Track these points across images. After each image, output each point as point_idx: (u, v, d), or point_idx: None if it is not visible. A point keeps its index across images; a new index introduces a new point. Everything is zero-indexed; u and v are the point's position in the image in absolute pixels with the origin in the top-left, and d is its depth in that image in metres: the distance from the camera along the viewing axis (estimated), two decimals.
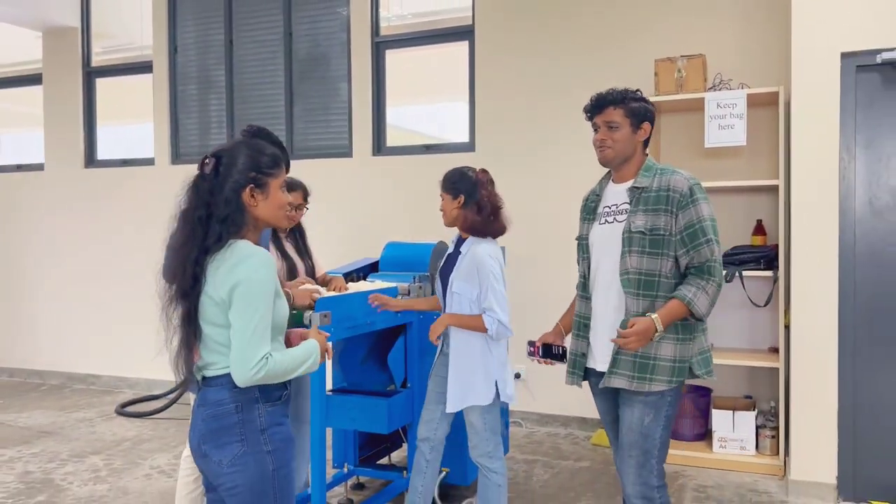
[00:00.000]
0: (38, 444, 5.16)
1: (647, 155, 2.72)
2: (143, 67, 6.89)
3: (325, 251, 4.30)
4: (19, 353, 7.40)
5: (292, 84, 6.36)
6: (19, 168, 7.50)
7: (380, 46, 6.02)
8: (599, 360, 2.69)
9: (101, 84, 7.16)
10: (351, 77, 6.07)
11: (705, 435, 4.79)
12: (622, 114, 2.63)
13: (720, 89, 4.68)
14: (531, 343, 2.86)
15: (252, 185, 1.97)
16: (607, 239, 2.66)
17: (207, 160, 2.00)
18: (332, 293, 3.41)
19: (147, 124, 6.92)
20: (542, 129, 5.45)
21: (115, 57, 7.15)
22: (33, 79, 7.35)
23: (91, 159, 7.13)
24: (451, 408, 3.12)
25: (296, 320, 3.14)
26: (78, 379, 7.08)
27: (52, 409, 6.18)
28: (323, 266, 3.87)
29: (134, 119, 7.45)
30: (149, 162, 6.85)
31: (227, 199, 1.95)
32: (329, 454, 4.22)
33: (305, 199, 3.64)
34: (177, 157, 6.80)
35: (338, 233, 5.94)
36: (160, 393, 6.51)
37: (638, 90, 2.73)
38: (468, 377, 3.11)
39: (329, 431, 4.32)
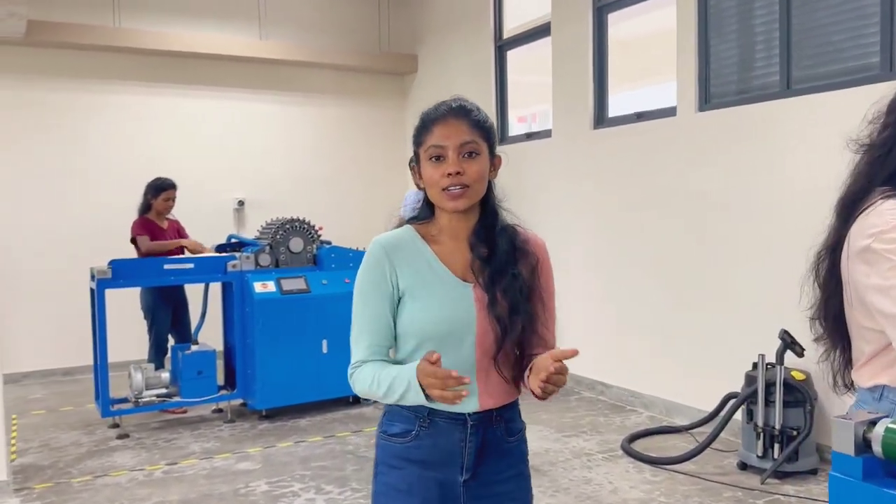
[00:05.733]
0: None
1: None
2: None
3: None
4: None
5: None
6: (528, 137, 6.63)
7: None
8: None
9: (615, 46, 5.72)
10: None
11: None
12: None
13: None
14: None
15: (412, 159, 1.69)
16: None
17: None
18: None
19: (665, 85, 5.23)
20: None
21: None
22: (544, 30, 6.33)
23: (601, 118, 5.77)
24: None
25: None
26: (586, 385, 5.87)
27: (550, 424, 5.01)
28: None
29: (649, 80, 5.89)
30: (669, 113, 5.15)
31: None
32: None
33: None
34: (706, 103, 4.93)
35: None
36: (683, 425, 4.81)
37: None
38: None
39: None
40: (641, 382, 5.36)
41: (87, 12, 6.75)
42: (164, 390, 5.19)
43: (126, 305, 5.68)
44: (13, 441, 4.87)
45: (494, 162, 1.68)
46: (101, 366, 4.91)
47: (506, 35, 6.87)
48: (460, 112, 1.63)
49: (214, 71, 7.45)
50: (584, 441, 4.67)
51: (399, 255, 1.64)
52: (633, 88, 5.99)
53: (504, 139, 6.93)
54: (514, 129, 7.02)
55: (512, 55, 6.89)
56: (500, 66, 6.94)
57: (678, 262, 5.04)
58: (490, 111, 6.95)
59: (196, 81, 7.38)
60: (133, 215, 5.71)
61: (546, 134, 6.31)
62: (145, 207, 5.66)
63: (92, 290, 5.04)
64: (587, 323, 5.83)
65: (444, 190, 1.59)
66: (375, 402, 5.57)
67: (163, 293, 5.61)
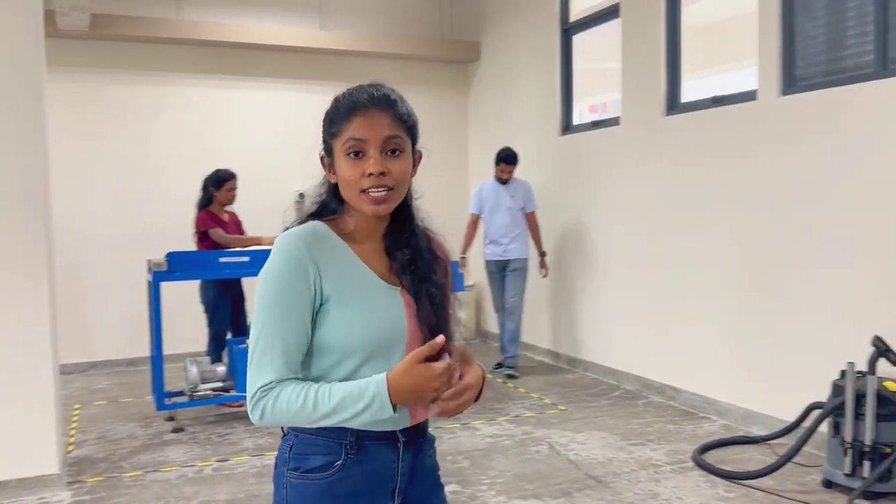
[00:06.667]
0: (579, 498, 3.70)
1: None
2: None
3: None
4: (593, 344, 6.27)
5: None
6: (595, 125, 6.30)
7: None
8: None
9: (688, 30, 5.34)
10: None
11: None
12: None
13: None
14: None
15: (323, 152, 1.48)
16: None
17: None
18: None
19: (742, 71, 4.84)
20: None
21: None
22: (612, 12, 5.99)
23: (674, 104, 5.41)
24: None
25: None
26: (654, 388, 5.53)
27: (615, 430, 4.73)
28: None
29: (725, 67, 5.48)
30: (749, 97, 4.76)
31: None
32: None
33: None
34: (790, 85, 4.52)
35: None
36: (761, 435, 4.45)
37: None
38: None
39: None
40: (715, 388, 5.00)
41: (148, 4, 6.78)
42: (219, 384, 5.15)
43: (189, 297, 5.68)
44: (73, 432, 4.91)
45: (415, 159, 1.50)
46: (156, 359, 4.88)
47: (572, 18, 6.55)
48: (384, 103, 1.43)
49: (275, 62, 7.39)
50: (652, 451, 4.36)
51: (323, 253, 1.42)
52: (708, 75, 5.60)
53: (569, 128, 6.63)
54: (583, 118, 6.69)
55: (578, 40, 6.57)
56: (566, 51, 6.62)
57: (758, 258, 4.66)
58: (555, 98, 6.66)
59: (256, 73, 7.33)
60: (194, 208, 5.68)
61: (614, 121, 5.97)
62: (207, 200, 5.61)
63: (149, 283, 5.02)
64: (655, 322, 5.50)
65: (363, 192, 1.40)
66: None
67: (223, 287, 5.56)
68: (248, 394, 1.37)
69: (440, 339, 1.35)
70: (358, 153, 1.40)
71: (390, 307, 1.44)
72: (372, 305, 1.42)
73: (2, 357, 3.73)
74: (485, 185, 6.41)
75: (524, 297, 6.32)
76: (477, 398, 1.42)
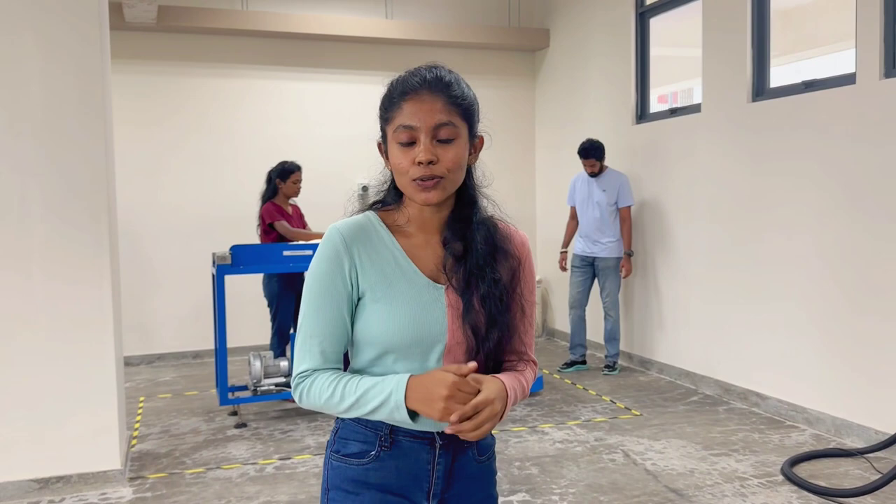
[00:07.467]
0: None
1: None
2: None
3: None
4: (669, 345, 5.94)
5: None
6: (672, 113, 5.95)
7: None
8: None
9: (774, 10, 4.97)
10: None
11: None
12: None
13: None
14: None
15: (380, 137, 1.42)
16: None
17: None
18: None
19: (842, 53, 4.45)
20: None
21: None
22: None
23: (761, 89, 5.04)
24: None
25: None
26: (737, 394, 5.19)
27: (695, 438, 4.43)
28: None
29: (815, 50, 5.08)
30: (846, 80, 4.37)
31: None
32: None
33: None
34: (895, 68, 4.13)
35: None
36: (857, 448, 4.09)
37: None
38: None
39: None
40: (805, 394, 4.64)
41: None
42: (282, 379, 5.06)
43: (255, 290, 5.63)
44: (137, 425, 4.90)
45: (475, 144, 1.41)
46: (220, 352, 4.82)
47: (649, 0, 6.21)
48: (436, 85, 1.34)
49: (340, 53, 7.28)
50: (737, 462, 4.05)
51: (361, 247, 1.39)
52: (794, 60, 5.20)
53: (644, 116, 6.30)
54: (654, 108, 6.36)
55: (654, 24, 6.23)
56: (642, 36, 6.29)
57: (856, 255, 4.28)
58: (630, 87, 6.33)
59: (322, 64, 7.24)
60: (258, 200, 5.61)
61: (694, 109, 5.62)
62: (272, 192, 5.53)
63: (213, 276, 4.97)
64: (738, 323, 5.15)
65: (414, 181, 1.34)
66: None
67: (287, 281, 5.47)
68: (292, 377, 1.40)
69: (471, 365, 1.29)
70: (409, 140, 1.34)
71: (428, 306, 1.37)
72: (408, 303, 1.36)
73: (65, 351, 3.70)
74: (578, 177, 6.20)
75: (618, 296, 6.11)
76: (502, 415, 1.32)
